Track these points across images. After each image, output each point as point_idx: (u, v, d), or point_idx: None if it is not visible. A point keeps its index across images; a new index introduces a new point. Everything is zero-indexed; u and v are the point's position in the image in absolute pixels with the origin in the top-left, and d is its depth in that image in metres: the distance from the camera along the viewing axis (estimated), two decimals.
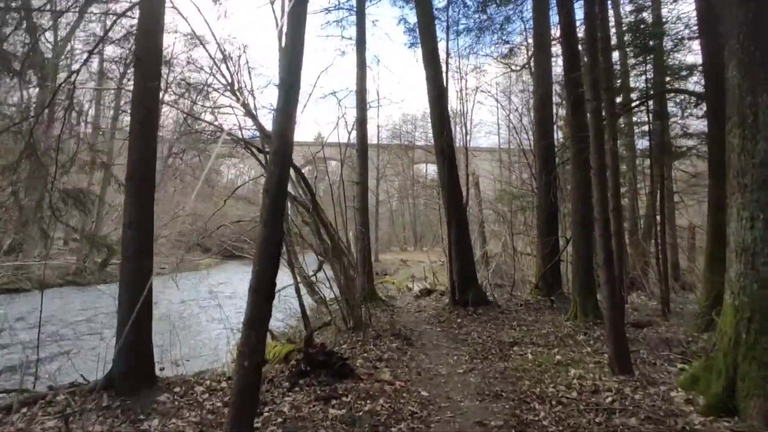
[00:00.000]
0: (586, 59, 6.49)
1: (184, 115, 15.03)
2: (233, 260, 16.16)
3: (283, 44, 2.54)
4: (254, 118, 6.40)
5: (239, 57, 7.52)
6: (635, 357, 4.77)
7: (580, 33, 8.04)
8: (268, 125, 6.18)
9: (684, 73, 9.32)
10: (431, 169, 31.83)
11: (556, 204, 9.91)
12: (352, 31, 11.76)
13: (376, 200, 28.15)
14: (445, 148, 9.25)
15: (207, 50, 6.86)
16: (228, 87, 6.48)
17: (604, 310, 6.02)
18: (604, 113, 5.39)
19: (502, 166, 24.50)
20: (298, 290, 6.92)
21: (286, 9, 2.65)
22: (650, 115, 9.73)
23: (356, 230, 9.86)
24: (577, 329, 6.53)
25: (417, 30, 10.85)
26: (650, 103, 9.52)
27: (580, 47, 7.79)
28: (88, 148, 5.79)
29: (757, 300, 3.23)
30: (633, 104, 9.88)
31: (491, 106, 31.49)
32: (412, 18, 11.95)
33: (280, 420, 3.47)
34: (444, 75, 9.43)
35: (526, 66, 13.28)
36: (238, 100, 6.61)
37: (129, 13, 5.20)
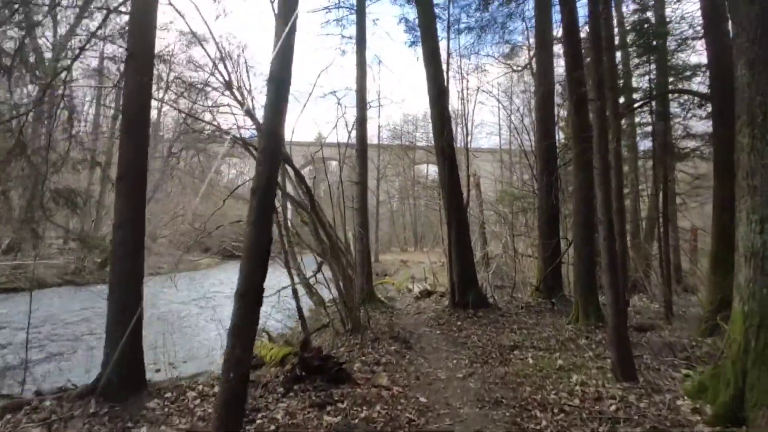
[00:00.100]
0: (589, 58, 6.39)
1: (184, 115, 14.94)
2: (233, 260, 16.06)
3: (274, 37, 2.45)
4: (253, 117, 6.31)
5: (238, 56, 7.45)
6: (639, 362, 4.65)
7: (582, 33, 7.97)
8: None
9: (688, 73, 9.19)
10: (432, 170, 31.75)
11: (558, 205, 9.79)
12: (352, 30, 11.67)
13: (377, 201, 28.02)
14: (445, 148, 9.14)
15: (204, 48, 6.83)
16: (226, 86, 6.41)
17: (606, 313, 5.93)
18: (607, 113, 5.29)
19: (503, 167, 24.38)
20: (295, 292, 6.83)
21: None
22: (653, 115, 9.61)
23: (355, 230, 9.76)
24: (579, 333, 6.41)
25: (417, 28, 10.75)
26: (653, 103, 9.39)
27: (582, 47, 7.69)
28: (80, 147, 5.67)
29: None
30: (636, 104, 9.76)
31: (492, 106, 31.39)
32: (413, 16, 11.82)
33: (273, 428, 3.36)
34: (445, 74, 9.32)
35: (528, 66, 13.18)
36: (236, 99, 6.54)
37: (125, 9, 5.09)
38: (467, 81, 18.00)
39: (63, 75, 4.78)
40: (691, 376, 4.26)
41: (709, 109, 8.61)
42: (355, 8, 11.09)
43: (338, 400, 3.91)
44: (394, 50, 36.74)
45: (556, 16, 9.92)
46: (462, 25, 12.26)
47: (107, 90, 21.74)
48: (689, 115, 10.11)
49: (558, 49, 10.86)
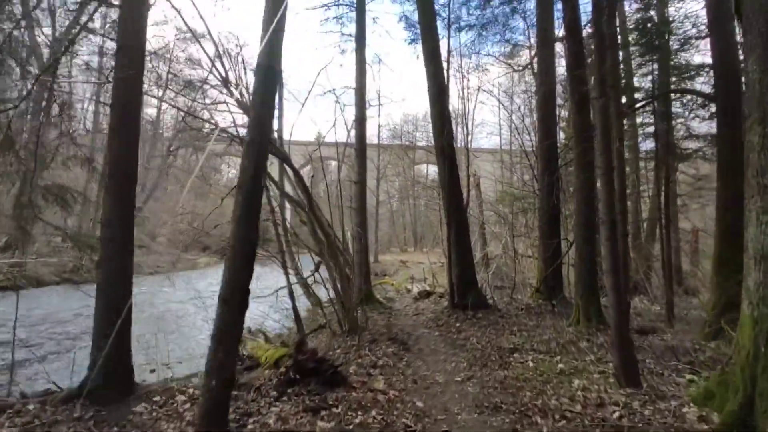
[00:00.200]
0: (592, 57, 6.28)
1: (182, 113, 14.84)
2: None
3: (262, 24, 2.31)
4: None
5: (237, 54, 7.33)
6: (641, 367, 4.53)
7: (585, 32, 7.86)
8: None
9: (692, 72, 9.07)
10: (432, 170, 31.63)
11: (559, 206, 9.68)
12: (351, 28, 11.54)
13: (377, 201, 27.89)
14: (445, 148, 9.02)
15: (201, 45, 6.67)
16: (224, 83, 6.30)
17: (607, 315, 5.80)
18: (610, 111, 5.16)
19: (503, 167, 24.23)
20: (291, 293, 6.72)
21: None
22: (655, 116, 9.50)
23: (353, 230, 9.64)
24: (580, 335, 6.29)
25: (417, 25, 10.64)
26: (655, 103, 9.28)
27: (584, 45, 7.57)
28: (72, 144, 5.56)
29: None
30: (639, 104, 9.65)
31: (493, 106, 31.27)
32: (413, 13, 11.69)
33: None
34: (445, 72, 9.20)
35: (529, 66, 13.06)
36: (233, 96, 6.43)
37: (116, 2, 4.97)
38: (468, 80, 17.88)
39: (51, 69, 4.65)
40: (696, 382, 4.15)
41: (713, 110, 8.52)
42: (354, 6, 10.98)
43: (333, 404, 3.79)
44: (394, 49, 36.50)
45: (558, 14, 9.81)
46: (462, 23, 12.17)
47: (107, 87, 21.63)
48: (692, 115, 10.02)
49: (559, 50, 10.76)
